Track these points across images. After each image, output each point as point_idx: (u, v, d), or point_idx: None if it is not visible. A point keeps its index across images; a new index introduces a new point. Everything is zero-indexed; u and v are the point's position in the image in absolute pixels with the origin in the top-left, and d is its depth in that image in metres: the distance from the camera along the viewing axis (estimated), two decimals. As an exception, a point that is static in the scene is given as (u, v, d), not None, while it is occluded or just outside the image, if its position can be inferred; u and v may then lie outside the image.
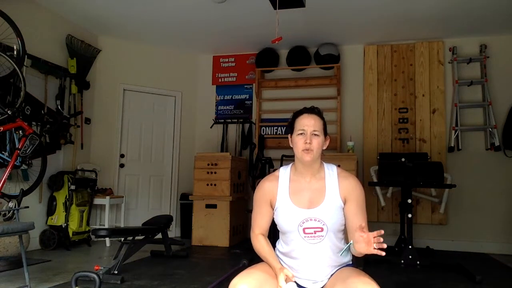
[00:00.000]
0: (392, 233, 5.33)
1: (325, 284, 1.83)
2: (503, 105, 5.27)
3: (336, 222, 1.80)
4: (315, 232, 1.79)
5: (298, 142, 1.82)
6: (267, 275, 1.75)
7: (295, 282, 1.76)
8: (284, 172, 1.93)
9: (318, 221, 1.78)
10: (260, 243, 1.88)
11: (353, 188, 1.84)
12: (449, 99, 5.47)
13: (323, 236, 1.79)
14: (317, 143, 1.80)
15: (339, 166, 1.97)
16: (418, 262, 4.06)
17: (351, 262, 1.90)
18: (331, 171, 1.88)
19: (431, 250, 4.94)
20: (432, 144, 5.40)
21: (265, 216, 1.90)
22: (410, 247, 4.12)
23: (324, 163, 1.92)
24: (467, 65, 5.45)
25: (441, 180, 4.26)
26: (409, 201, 4.24)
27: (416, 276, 3.66)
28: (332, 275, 1.83)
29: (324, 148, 1.87)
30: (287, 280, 1.70)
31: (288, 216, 1.82)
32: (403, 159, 4.81)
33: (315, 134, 1.81)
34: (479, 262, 4.46)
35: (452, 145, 5.29)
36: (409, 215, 4.20)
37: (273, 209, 1.89)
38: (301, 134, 1.82)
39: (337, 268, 1.84)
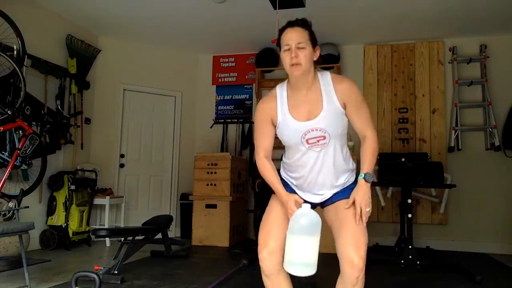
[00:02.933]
0: (392, 233, 5.34)
1: (327, 203, 1.91)
2: (503, 105, 5.27)
3: (337, 128, 1.84)
4: (318, 141, 1.84)
5: (285, 58, 1.82)
6: (280, 221, 1.83)
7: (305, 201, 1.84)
8: (280, 89, 1.96)
9: (320, 130, 1.82)
10: (266, 168, 1.92)
11: (349, 90, 1.85)
12: (449, 99, 5.47)
13: (326, 143, 1.84)
14: (304, 56, 1.79)
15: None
16: (418, 262, 4.06)
17: (354, 178, 1.94)
18: (325, 79, 1.89)
19: (431, 250, 4.95)
20: (432, 144, 5.40)
21: (268, 136, 1.93)
22: (410, 247, 4.12)
23: (318, 72, 1.92)
24: (467, 65, 5.45)
25: (441, 180, 4.26)
26: (409, 201, 4.24)
27: (416, 276, 3.66)
28: (336, 194, 1.89)
29: (315, 59, 1.87)
30: (296, 204, 1.74)
31: (290, 131, 1.86)
32: (403, 159, 4.81)
33: (301, 48, 1.80)
34: (479, 262, 4.46)
35: (452, 145, 5.29)
36: (409, 215, 4.20)
37: (275, 127, 1.92)
38: (287, 50, 1.82)
39: (341, 187, 1.90)
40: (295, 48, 1.79)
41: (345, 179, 1.92)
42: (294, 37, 1.80)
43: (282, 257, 1.77)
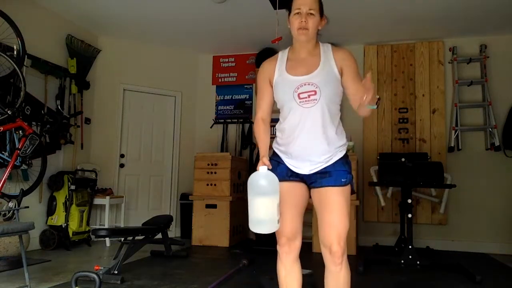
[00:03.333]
0: (392, 233, 5.34)
1: (315, 184, 1.92)
2: (503, 105, 5.27)
3: (330, 90, 1.89)
4: (309, 96, 1.88)
5: (294, 22, 1.91)
6: (293, 209, 1.93)
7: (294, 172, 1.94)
8: (282, 53, 2.05)
9: (312, 84, 1.88)
10: (258, 128, 2.00)
11: (347, 57, 1.95)
12: (449, 99, 5.47)
13: (316, 100, 1.87)
14: (312, 22, 1.88)
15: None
16: (418, 262, 4.06)
17: (345, 152, 1.96)
18: (326, 47, 1.99)
19: (431, 250, 4.94)
20: (432, 144, 5.39)
21: (266, 97, 2.02)
22: (410, 247, 4.12)
23: (320, 42, 2.01)
24: (467, 65, 5.45)
25: (441, 180, 4.26)
26: (409, 201, 4.24)
27: (416, 276, 3.66)
28: (324, 175, 1.90)
29: (320, 28, 1.96)
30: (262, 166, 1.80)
31: (285, 86, 1.93)
32: (403, 159, 4.81)
33: (311, 14, 1.88)
34: (479, 262, 4.45)
35: (452, 145, 5.29)
36: (409, 215, 4.20)
37: (272, 88, 2.00)
38: (297, 13, 1.90)
39: (330, 161, 1.91)
40: (306, 14, 1.88)
41: (335, 149, 1.92)
42: (307, 2, 1.88)
43: (298, 245, 1.94)
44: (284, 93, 1.92)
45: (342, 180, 1.88)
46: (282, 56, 2.01)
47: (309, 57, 1.95)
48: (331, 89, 1.89)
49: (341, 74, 1.91)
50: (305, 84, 1.88)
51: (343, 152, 1.95)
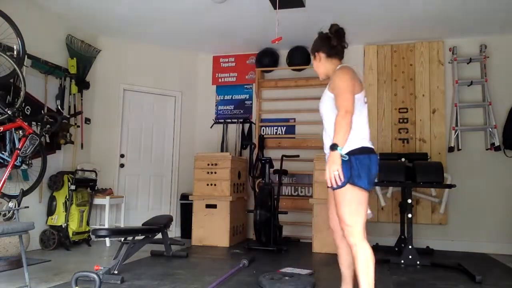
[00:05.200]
0: (392, 233, 5.34)
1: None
2: (503, 105, 5.27)
3: (325, 107, 2.49)
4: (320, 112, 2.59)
5: None
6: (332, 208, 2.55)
7: None
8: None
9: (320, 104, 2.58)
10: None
11: (333, 80, 2.43)
12: (449, 99, 5.47)
13: (322, 115, 2.56)
14: (317, 67, 2.66)
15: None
16: (418, 262, 4.07)
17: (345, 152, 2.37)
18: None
19: (431, 250, 4.95)
20: (432, 144, 5.40)
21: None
22: (410, 247, 4.13)
23: (340, 65, 2.57)
24: (467, 65, 5.45)
25: (441, 180, 4.26)
26: (409, 201, 4.24)
27: (416, 276, 3.66)
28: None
29: (320, 60, 2.62)
30: None
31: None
32: (403, 159, 4.81)
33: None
34: (479, 262, 4.45)
35: (452, 145, 5.29)
36: (409, 215, 4.21)
37: None
38: None
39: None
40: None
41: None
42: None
43: (340, 234, 2.50)
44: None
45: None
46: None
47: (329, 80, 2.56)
48: (326, 107, 2.49)
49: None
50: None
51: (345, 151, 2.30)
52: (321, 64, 2.55)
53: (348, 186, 2.24)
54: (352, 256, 2.29)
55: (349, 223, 2.26)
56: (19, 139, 3.98)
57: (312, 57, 2.56)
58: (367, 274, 2.19)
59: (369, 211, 2.43)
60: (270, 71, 6.14)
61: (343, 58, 2.67)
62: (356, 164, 2.26)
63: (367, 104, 2.56)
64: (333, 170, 2.17)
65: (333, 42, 2.57)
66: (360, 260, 2.21)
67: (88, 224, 5.02)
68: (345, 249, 2.52)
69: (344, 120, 2.24)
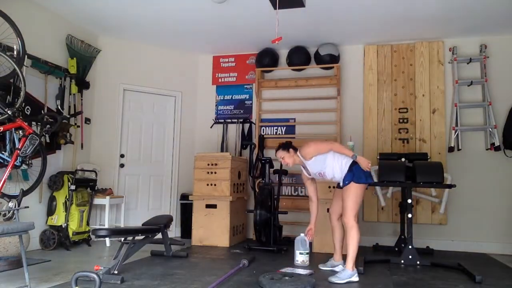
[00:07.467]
0: (392, 233, 5.34)
1: (341, 186, 3.66)
2: (503, 105, 5.27)
3: (319, 167, 3.69)
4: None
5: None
6: (338, 199, 3.87)
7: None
8: None
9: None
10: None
11: (302, 152, 3.69)
12: (449, 99, 5.47)
13: (318, 172, 3.77)
14: (286, 159, 3.78)
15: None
16: (418, 262, 4.07)
17: (347, 169, 3.60)
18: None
19: (431, 250, 4.95)
20: (432, 144, 5.40)
21: None
22: (410, 247, 4.12)
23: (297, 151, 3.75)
24: (467, 65, 5.45)
25: (441, 180, 4.25)
26: (409, 201, 4.24)
27: (416, 276, 3.66)
28: (342, 181, 3.64)
29: (293, 156, 3.75)
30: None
31: None
32: (403, 159, 4.81)
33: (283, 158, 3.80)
34: (479, 262, 4.45)
35: (452, 145, 5.29)
36: (409, 215, 4.20)
37: None
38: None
39: (342, 178, 3.66)
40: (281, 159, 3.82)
41: (342, 173, 3.64)
42: (279, 156, 3.84)
43: (336, 217, 3.88)
44: None
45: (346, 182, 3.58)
46: None
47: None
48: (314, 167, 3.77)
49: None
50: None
51: (347, 169, 3.60)
52: (293, 157, 3.74)
53: (352, 183, 3.51)
54: (344, 232, 3.63)
55: (350, 210, 3.48)
56: (19, 139, 3.98)
57: (285, 155, 3.75)
58: (354, 245, 3.44)
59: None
60: (270, 71, 6.14)
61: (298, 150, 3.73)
62: (356, 170, 3.53)
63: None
64: (369, 162, 3.52)
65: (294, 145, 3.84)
66: (350, 235, 3.46)
67: (88, 224, 5.02)
68: (339, 228, 3.86)
69: (336, 143, 3.79)
